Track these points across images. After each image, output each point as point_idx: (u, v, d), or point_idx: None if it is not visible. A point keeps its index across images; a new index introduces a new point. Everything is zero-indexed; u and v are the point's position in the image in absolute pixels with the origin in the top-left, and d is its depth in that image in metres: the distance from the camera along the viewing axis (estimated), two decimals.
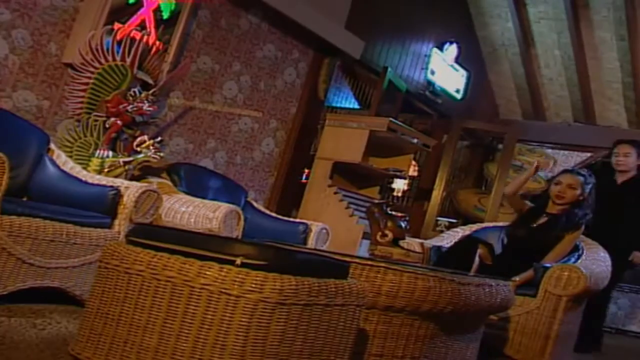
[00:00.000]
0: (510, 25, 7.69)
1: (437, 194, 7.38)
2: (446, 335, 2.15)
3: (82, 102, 3.74)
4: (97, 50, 3.72)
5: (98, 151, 3.67)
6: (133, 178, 3.73)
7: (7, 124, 3.02)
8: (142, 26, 4.08)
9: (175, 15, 4.31)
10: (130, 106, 3.79)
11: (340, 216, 5.00)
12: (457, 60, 7.44)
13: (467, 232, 4.04)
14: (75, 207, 2.68)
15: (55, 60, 3.85)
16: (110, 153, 3.70)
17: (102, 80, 3.75)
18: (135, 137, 3.85)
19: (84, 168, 3.31)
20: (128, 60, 3.83)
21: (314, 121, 5.80)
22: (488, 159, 8.33)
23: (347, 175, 5.46)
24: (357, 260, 2.03)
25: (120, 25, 3.96)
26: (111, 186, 2.86)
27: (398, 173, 5.68)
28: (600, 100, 7.87)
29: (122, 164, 3.68)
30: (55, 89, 3.86)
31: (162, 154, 3.93)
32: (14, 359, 1.75)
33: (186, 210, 3.58)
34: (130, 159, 3.74)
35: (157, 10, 4.20)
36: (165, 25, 4.25)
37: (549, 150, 8.13)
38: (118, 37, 3.88)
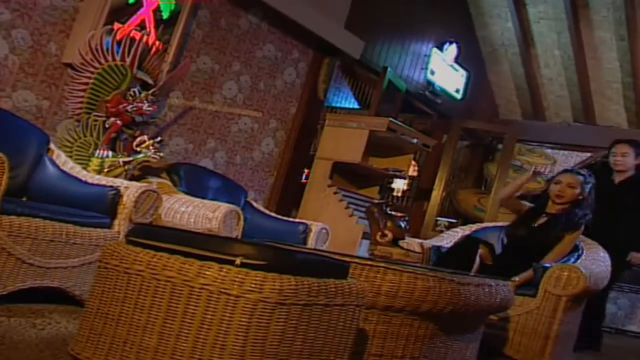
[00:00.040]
0: (510, 25, 7.69)
1: (436, 194, 7.39)
2: (446, 335, 2.15)
3: (81, 102, 3.74)
4: (96, 50, 3.72)
5: (98, 151, 3.67)
6: (133, 178, 3.74)
7: (6, 124, 3.02)
8: (141, 26, 4.08)
9: (174, 15, 4.31)
10: (130, 106, 3.79)
11: (340, 216, 5.00)
12: (457, 60, 7.44)
13: (467, 232, 4.04)
14: (75, 207, 2.68)
15: (55, 60, 3.85)
16: (110, 153, 3.70)
17: (101, 80, 3.75)
18: (135, 137, 3.85)
19: (84, 168, 3.31)
20: (128, 60, 3.83)
21: (314, 121, 5.80)
22: (488, 159, 8.34)
23: (346, 175, 5.46)
24: (356, 260, 2.03)
25: (120, 25, 3.96)
26: (111, 186, 2.86)
27: (398, 173, 5.68)
28: (600, 100, 7.88)
29: (121, 164, 3.68)
30: (55, 89, 3.86)
31: (161, 154, 3.93)
32: (14, 359, 1.75)
33: (186, 210, 3.58)
34: (130, 159, 3.74)
35: (157, 10, 4.20)
36: (165, 25, 4.25)
37: (549, 150, 8.13)
38: (118, 37, 3.88)
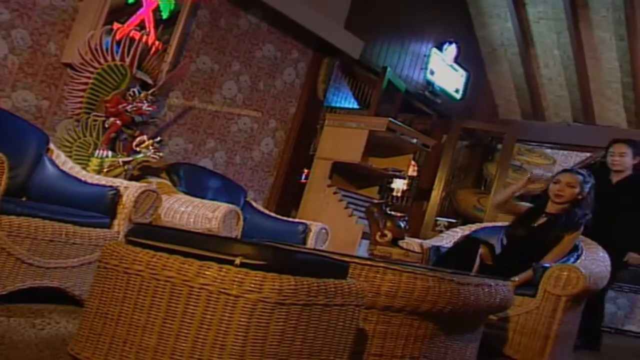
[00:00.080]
0: (510, 25, 7.69)
1: (436, 194, 7.39)
2: (445, 335, 2.15)
3: (81, 102, 3.74)
4: (96, 50, 3.72)
5: (97, 151, 3.67)
6: (132, 178, 3.74)
7: (6, 124, 3.02)
8: (141, 26, 4.08)
9: (174, 15, 4.31)
10: (130, 106, 3.79)
11: (340, 216, 5.00)
12: (457, 60, 7.44)
13: (467, 232, 4.04)
14: (75, 207, 2.68)
15: (55, 60, 3.85)
16: (110, 153, 3.70)
17: (101, 80, 3.75)
18: (134, 137, 3.85)
19: (84, 168, 3.31)
20: (127, 60, 3.83)
21: (314, 121, 5.80)
22: (487, 158, 8.34)
23: (346, 175, 5.46)
24: (356, 260, 2.03)
25: (120, 25, 3.96)
26: (110, 186, 2.86)
27: (397, 173, 5.68)
28: (599, 100, 7.88)
29: (121, 163, 3.68)
30: (55, 89, 3.86)
31: (161, 154, 3.93)
32: (13, 359, 1.75)
33: (185, 210, 3.58)
34: (130, 159, 3.74)
35: (157, 10, 4.19)
36: (164, 25, 4.25)
37: (548, 150, 8.13)
38: (117, 37, 3.88)
